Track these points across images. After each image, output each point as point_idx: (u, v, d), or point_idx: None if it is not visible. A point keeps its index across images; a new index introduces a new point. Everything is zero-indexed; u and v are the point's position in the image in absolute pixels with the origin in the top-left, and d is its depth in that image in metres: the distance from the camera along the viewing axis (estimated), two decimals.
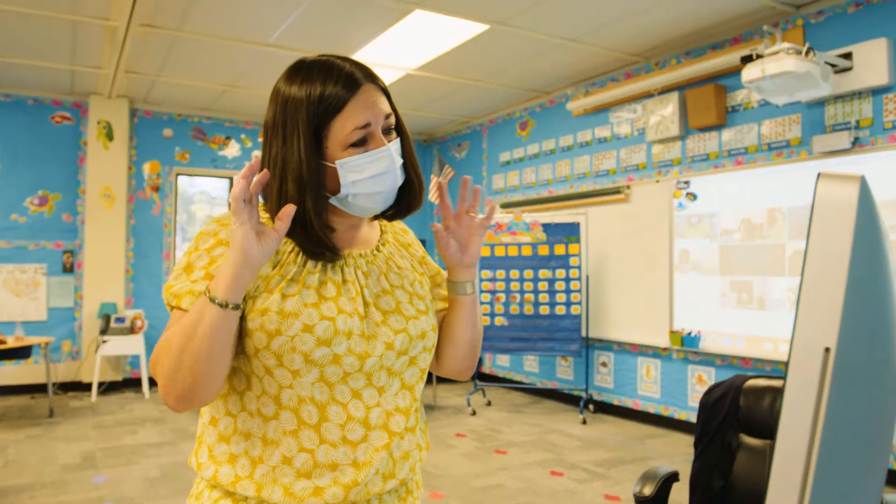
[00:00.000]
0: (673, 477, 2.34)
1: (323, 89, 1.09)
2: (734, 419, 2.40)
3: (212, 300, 0.99)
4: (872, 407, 0.55)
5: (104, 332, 6.85)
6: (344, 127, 1.09)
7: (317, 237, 1.12)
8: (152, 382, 7.42)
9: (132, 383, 7.41)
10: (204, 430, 1.17)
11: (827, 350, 0.48)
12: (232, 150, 8.09)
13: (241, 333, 1.09)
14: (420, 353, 1.20)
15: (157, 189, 7.64)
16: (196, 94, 7.17)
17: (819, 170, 4.48)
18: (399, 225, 1.38)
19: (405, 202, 1.23)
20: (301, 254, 1.14)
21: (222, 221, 1.14)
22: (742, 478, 2.33)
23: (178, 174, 7.84)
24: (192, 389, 1.01)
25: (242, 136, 8.17)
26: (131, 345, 6.90)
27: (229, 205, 1.01)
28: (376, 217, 1.25)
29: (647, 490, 2.22)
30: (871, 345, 0.51)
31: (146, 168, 7.59)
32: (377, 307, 1.17)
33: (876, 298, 0.52)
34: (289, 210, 1.03)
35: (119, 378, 7.32)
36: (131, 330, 7.00)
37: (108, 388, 7.23)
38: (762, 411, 2.38)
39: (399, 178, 1.16)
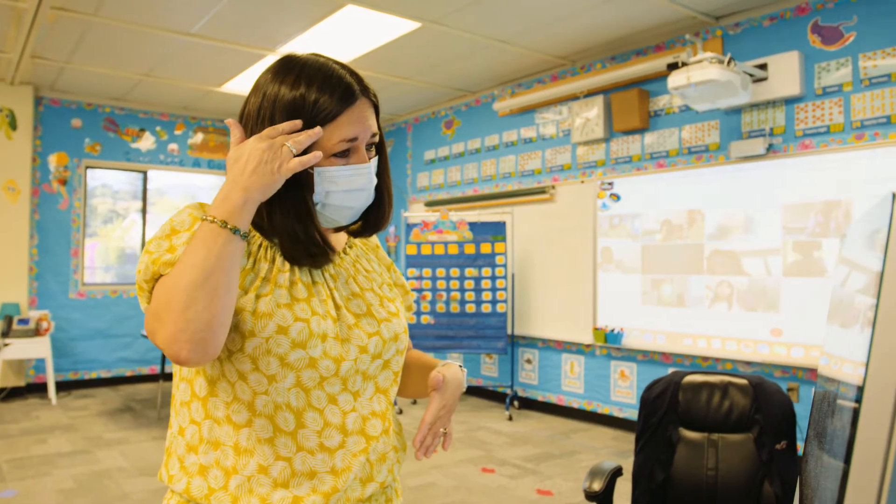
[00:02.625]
0: (618, 471, 2.41)
1: (319, 95, 1.06)
2: (674, 414, 2.50)
3: (223, 225, 0.95)
4: None
5: (6, 334, 6.41)
6: (332, 136, 1.06)
7: (311, 240, 1.09)
8: (59, 387, 7.02)
9: (37, 389, 6.97)
10: (173, 441, 1.12)
11: None
12: (146, 142, 7.74)
13: None
14: (393, 357, 1.19)
15: (64, 182, 7.21)
16: (109, 82, 6.82)
17: (735, 173, 4.72)
18: None
19: (373, 220, 1.22)
20: (270, 249, 1.10)
21: (195, 207, 1.09)
22: (682, 470, 2.43)
23: (87, 167, 7.42)
24: (210, 328, 0.93)
25: (158, 128, 7.83)
26: (36, 348, 6.49)
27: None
28: (340, 229, 1.23)
29: (597, 485, 2.28)
30: None
31: (52, 160, 7.15)
32: (348, 310, 1.15)
33: None
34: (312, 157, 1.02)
35: (22, 383, 6.86)
36: (36, 332, 6.58)
37: (9, 394, 6.77)
38: (700, 406, 2.49)
39: (371, 197, 1.14)
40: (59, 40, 5.56)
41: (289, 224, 1.07)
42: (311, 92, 1.06)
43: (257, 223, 1.10)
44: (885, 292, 0.51)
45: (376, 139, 1.14)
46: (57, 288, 7.15)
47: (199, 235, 0.96)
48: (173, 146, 7.92)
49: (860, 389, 0.54)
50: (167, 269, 0.99)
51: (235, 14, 4.95)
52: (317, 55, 1.12)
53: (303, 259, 1.10)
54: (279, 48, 5.66)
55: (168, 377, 6.78)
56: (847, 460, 0.54)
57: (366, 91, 1.11)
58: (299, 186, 1.07)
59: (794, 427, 2.31)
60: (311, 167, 1.07)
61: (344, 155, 1.08)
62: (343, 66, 1.11)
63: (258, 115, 1.08)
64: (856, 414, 0.54)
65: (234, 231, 0.95)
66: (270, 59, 5.95)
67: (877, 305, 0.51)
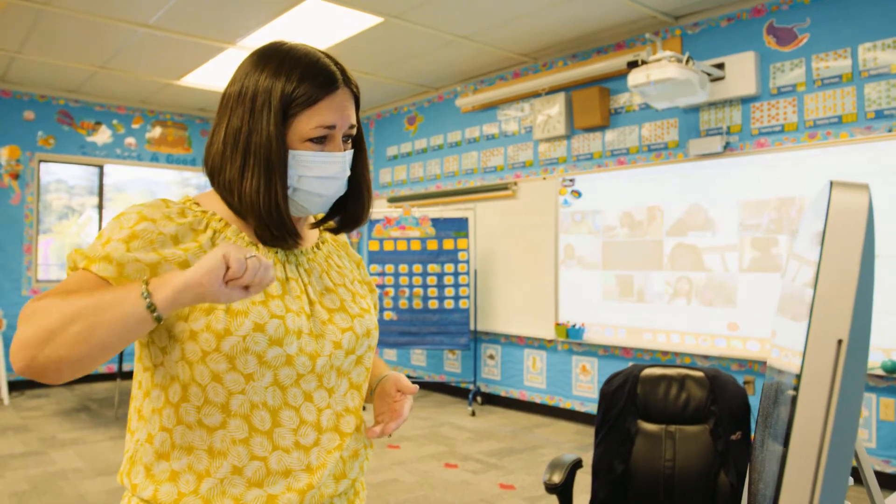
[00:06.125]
0: (577, 464, 2.44)
1: (301, 79, 1.06)
2: (632, 406, 2.54)
3: (143, 296, 0.86)
4: (859, 394, 0.60)
5: None
6: (310, 121, 1.07)
7: (280, 221, 1.08)
8: (12, 387, 6.83)
9: None
10: (138, 449, 1.08)
11: (840, 342, 0.53)
12: (102, 136, 7.56)
13: (182, 338, 1.02)
14: (366, 352, 1.20)
15: (16, 176, 7.01)
16: (63, 74, 6.65)
17: (693, 171, 4.80)
18: None
19: (351, 214, 1.22)
20: None
21: (147, 204, 1.07)
22: (640, 461, 2.47)
23: (40, 160, 7.22)
24: (53, 364, 0.86)
25: (114, 121, 7.66)
26: None
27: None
28: (316, 225, 1.23)
29: (557, 477, 2.31)
30: (867, 337, 0.56)
31: (4, 154, 6.94)
32: (322, 305, 1.15)
33: (870, 294, 0.57)
34: None
35: None
36: None
37: None
38: (657, 398, 2.53)
39: (343, 188, 1.15)
40: (10, 30, 5.40)
41: (258, 203, 1.06)
42: (295, 74, 1.06)
43: (229, 202, 1.10)
44: (821, 280, 0.53)
45: (354, 131, 1.14)
46: (9, 285, 6.96)
47: (122, 287, 0.89)
48: (130, 140, 7.75)
49: (798, 377, 0.56)
50: (85, 262, 0.96)
51: (195, 6, 4.86)
52: (303, 44, 1.13)
53: (269, 240, 1.10)
54: (240, 41, 5.59)
55: (125, 375, 6.64)
56: (786, 443, 0.56)
57: (348, 82, 1.12)
58: (272, 167, 1.06)
59: (748, 418, 2.37)
60: (287, 150, 1.07)
61: (320, 142, 1.09)
62: (328, 55, 1.12)
63: (240, 93, 1.08)
64: (794, 399, 0.56)
65: (150, 308, 0.87)
66: (231, 53, 5.87)
67: (814, 294, 0.53)
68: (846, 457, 0.60)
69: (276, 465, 1.06)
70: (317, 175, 1.09)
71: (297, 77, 1.06)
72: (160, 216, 1.05)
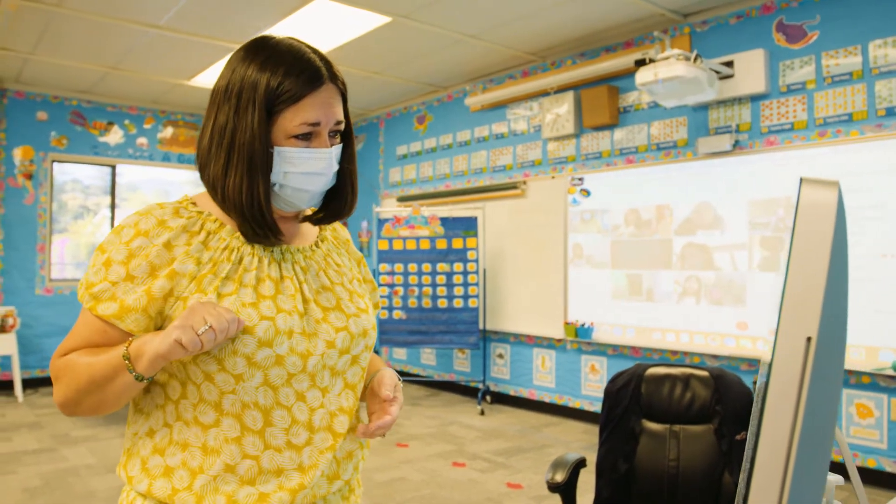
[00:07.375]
0: (581, 463, 2.44)
1: (286, 75, 1.06)
2: (636, 406, 2.53)
3: (129, 370, 0.99)
4: (835, 392, 0.60)
5: None
6: (294, 118, 1.07)
7: (261, 219, 1.08)
8: (26, 385, 6.91)
9: (2, 386, 6.85)
10: (136, 442, 1.11)
11: (809, 339, 0.53)
12: (114, 136, 7.62)
13: None
14: (362, 352, 1.19)
15: (30, 176, 7.08)
16: (75, 75, 6.71)
17: (702, 169, 4.78)
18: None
19: (334, 208, 1.22)
20: (235, 251, 1.10)
21: (142, 213, 1.08)
22: (644, 461, 2.46)
23: (53, 161, 7.29)
24: (89, 414, 1.07)
25: (126, 122, 7.72)
26: (1, 345, 6.38)
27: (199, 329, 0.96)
28: (306, 220, 1.23)
29: (559, 476, 2.30)
30: (841, 334, 0.56)
31: (17, 154, 7.02)
32: (317, 303, 1.15)
33: (843, 291, 0.57)
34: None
35: None
36: (2, 329, 6.47)
37: None
38: (662, 397, 2.52)
39: (329, 183, 1.15)
40: (23, 31, 5.46)
41: (240, 201, 1.07)
42: (279, 70, 1.06)
43: (214, 198, 1.11)
44: (790, 278, 0.53)
45: (341, 127, 1.14)
46: (23, 284, 7.03)
47: (112, 362, 1.00)
48: (142, 140, 7.81)
49: (769, 366, 0.56)
50: (91, 304, 1.03)
51: (204, 6, 4.89)
52: (291, 38, 1.12)
53: (252, 237, 1.11)
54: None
55: None
56: (757, 441, 0.56)
57: (334, 78, 1.11)
58: (255, 165, 1.07)
59: None
60: (272, 146, 1.07)
61: (305, 138, 1.09)
62: (315, 50, 1.12)
63: (227, 88, 1.09)
64: (764, 398, 0.56)
65: (138, 379, 1.00)
66: None
67: (783, 292, 0.53)
68: (820, 456, 0.59)
69: (268, 464, 1.07)
70: (302, 171, 1.09)
71: (281, 73, 1.06)
72: (153, 225, 1.06)
